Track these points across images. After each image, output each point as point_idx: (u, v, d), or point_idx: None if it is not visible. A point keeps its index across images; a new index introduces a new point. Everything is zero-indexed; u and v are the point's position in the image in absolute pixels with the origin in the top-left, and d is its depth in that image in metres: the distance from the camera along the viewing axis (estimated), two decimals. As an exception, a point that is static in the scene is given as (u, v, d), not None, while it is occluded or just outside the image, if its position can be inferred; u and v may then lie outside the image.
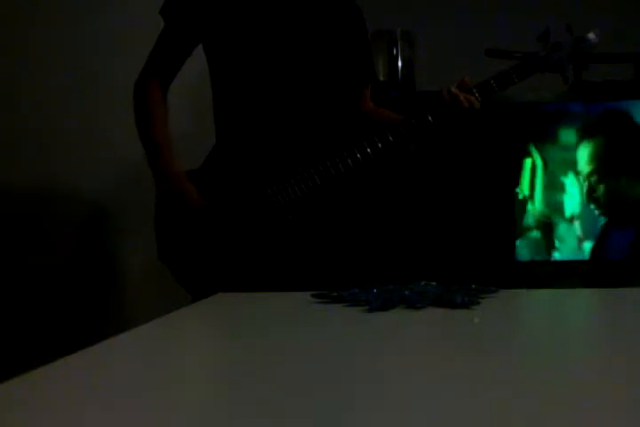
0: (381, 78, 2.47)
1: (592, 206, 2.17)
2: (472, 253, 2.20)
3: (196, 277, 1.52)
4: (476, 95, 1.49)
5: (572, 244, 2.17)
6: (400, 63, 2.48)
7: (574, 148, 2.17)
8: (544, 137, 2.18)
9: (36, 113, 2.17)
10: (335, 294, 0.98)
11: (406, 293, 0.95)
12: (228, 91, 1.57)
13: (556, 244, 2.17)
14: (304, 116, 1.53)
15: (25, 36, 2.17)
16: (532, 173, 2.19)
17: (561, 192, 2.18)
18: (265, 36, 1.51)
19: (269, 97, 1.52)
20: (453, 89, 1.48)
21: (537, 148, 2.18)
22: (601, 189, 2.17)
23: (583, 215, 2.17)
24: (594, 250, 2.15)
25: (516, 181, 2.19)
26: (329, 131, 1.56)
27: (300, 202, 1.50)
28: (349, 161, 1.48)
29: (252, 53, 1.51)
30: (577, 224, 2.17)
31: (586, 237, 2.16)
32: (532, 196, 2.19)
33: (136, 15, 2.17)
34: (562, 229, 2.17)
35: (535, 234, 2.19)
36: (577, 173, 2.17)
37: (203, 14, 1.52)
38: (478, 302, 0.93)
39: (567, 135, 2.18)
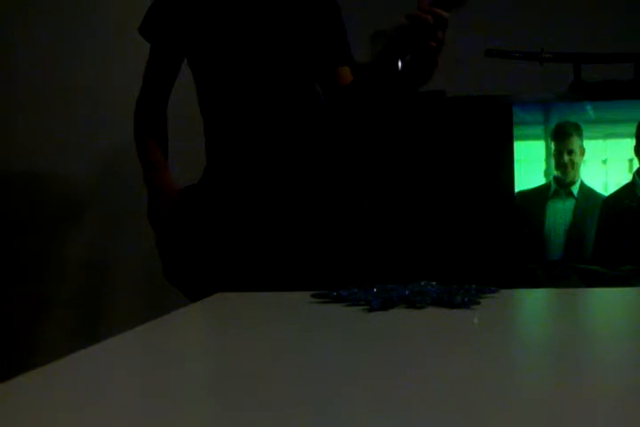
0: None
1: (591, 205, 2.16)
2: (473, 253, 2.20)
3: (204, 289, 1.52)
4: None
5: (573, 243, 2.17)
6: (400, 63, 2.48)
7: (574, 147, 2.17)
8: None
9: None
10: (335, 293, 0.98)
11: (406, 292, 0.95)
12: (213, 99, 1.56)
13: (557, 243, 2.17)
14: (290, 119, 1.53)
15: (15, 35, 2.17)
16: (531, 172, 2.19)
17: (560, 190, 2.17)
18: (244, 44, 1.51)
19: (253, 101, 1.52)
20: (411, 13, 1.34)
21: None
22: (600, 188, 2.16)
23: (583, 214, 2.17)
24: (595, 249, 2.15)
25: (515, 180, 2.19)
26: (313, 131, 1.55)
27: (299, 202, 1.50)
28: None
29: (231, 60, 1.51)
30: (578, 224, 2.17)
31: (587, 236, 2.16)
32: (531, 195, 2.18)
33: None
34: (562, 228, 2.17)
35: (535, 234, 2.18)
36: (577, 172, 2.17)
37: (181, 23, 1.52)
38: (478, 302, 0.93)
39: (567, 135, 2.18)
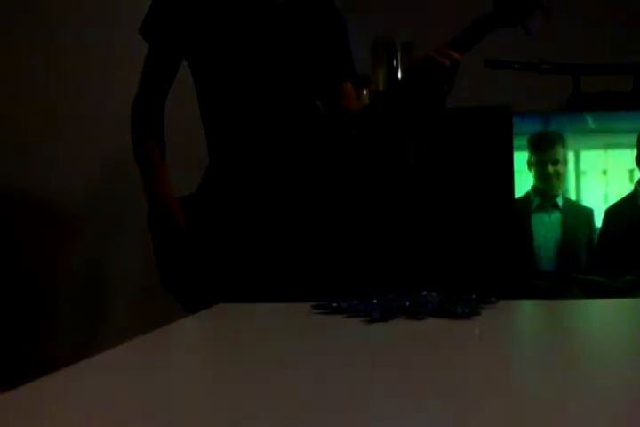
0: (381, 88, 2.47)
1: (580, 216, 2.16)
2: (473, 263, 2.20)
3: (201, 300, 1.52)
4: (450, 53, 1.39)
5: (566, 255, 2.16)
6: (400, 74, 2.49)
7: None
8: (542, 148, 2.18)
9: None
10: (335, 305, 0.98)
11: (407, 303, 0.94)
12: (215, 103, 1.56)
13: (548, 256, 2.17)
14: (292, 125, 1.53)
15: (15, 35, 2.17)
16: (530, 183, 2.19)
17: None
18: (247, 47, 1.50)
19: (254, 109, 1.51)
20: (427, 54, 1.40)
21: (536, 158, 2.18)
22: (601, 199, 2.16)
23: (571, 226, 2.16)
24: (592, 260, 2.15)
25: (514, 190, 2.19)
26: (314, 135, 1.55)
27: (299, 211, 1.50)
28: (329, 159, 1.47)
29: (235, 63, 1.51)
30: (567, 236, 2.16)
31: (586, 247, 2.16)
32: (531, 205, 2.18)
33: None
34: (552, 241, 2.17)
35: (526, 245, 2.18)
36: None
37: (183, 27, 1.52)
38: (479, 313, 0.92)
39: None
